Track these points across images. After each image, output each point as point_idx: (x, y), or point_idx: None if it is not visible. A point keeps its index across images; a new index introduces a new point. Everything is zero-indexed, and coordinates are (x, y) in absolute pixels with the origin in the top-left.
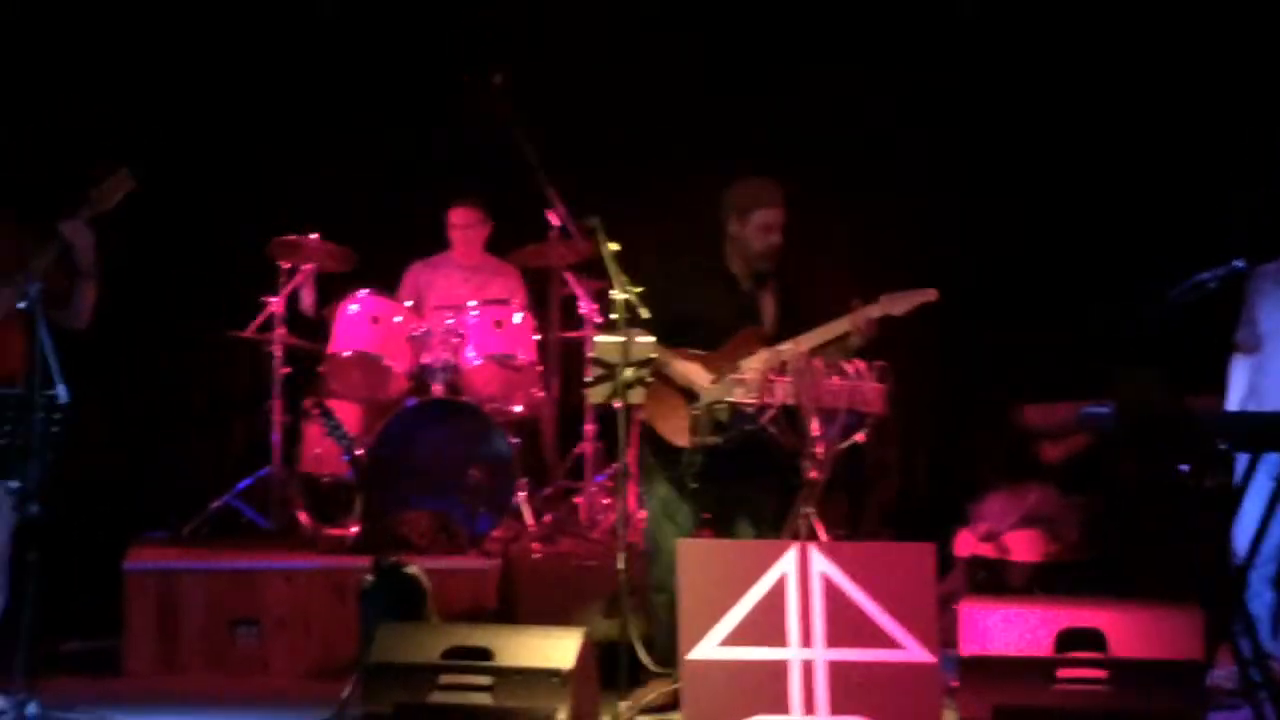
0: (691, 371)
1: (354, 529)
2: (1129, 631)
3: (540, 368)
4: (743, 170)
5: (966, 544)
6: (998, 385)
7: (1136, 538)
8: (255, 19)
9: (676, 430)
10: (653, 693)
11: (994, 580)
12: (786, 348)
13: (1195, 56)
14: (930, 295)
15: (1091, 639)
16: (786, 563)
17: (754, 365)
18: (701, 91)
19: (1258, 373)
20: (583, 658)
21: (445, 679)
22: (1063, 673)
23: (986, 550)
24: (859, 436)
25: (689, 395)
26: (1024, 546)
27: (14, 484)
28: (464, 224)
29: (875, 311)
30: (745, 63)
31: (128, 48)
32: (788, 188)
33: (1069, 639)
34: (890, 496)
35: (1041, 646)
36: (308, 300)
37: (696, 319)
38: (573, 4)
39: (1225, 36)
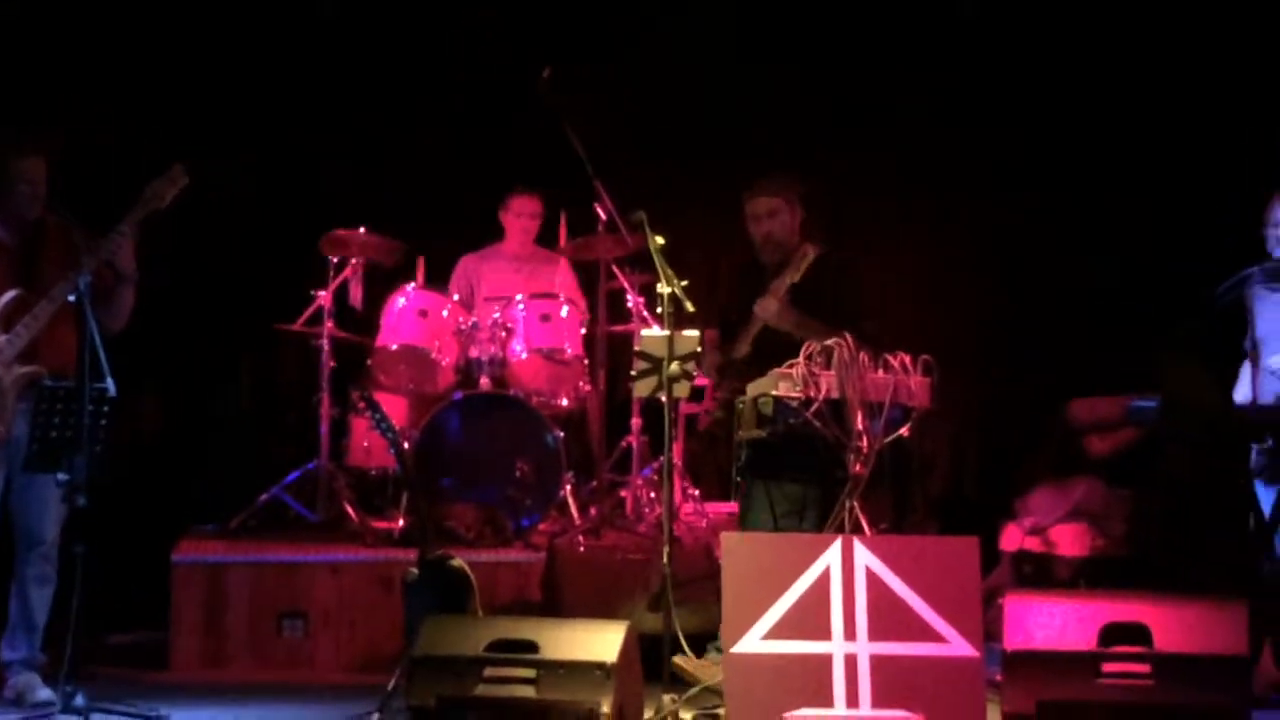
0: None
1: (400, 522)
2: (1174, 626)
3: (587, 361)
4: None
5: (1012, 538)
6: (1045, 379)
7: (1183, 532)
8: (302, 17)
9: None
10: (695, 688)
11: (1040, 574)
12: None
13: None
14: (808, 254)
15: (1137, 633)
16: (831, 556)
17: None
18: (744, 90)
19: (1256, 376)
20: (627, 651)
21: (489, 672)
22: (1107, 667)
23: (1032, 544)
24: (904, 430)
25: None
26: (1070, 541)
27: (63, 476)
28: (525, 212)
29: (769, 298)
30: (780, 60)
31: (183, 47)
32: (827, 185)
33: (1114, 633)
34: (936, 490)
35: (1086, 641)
36: (356, 294)
37: (733, 308)
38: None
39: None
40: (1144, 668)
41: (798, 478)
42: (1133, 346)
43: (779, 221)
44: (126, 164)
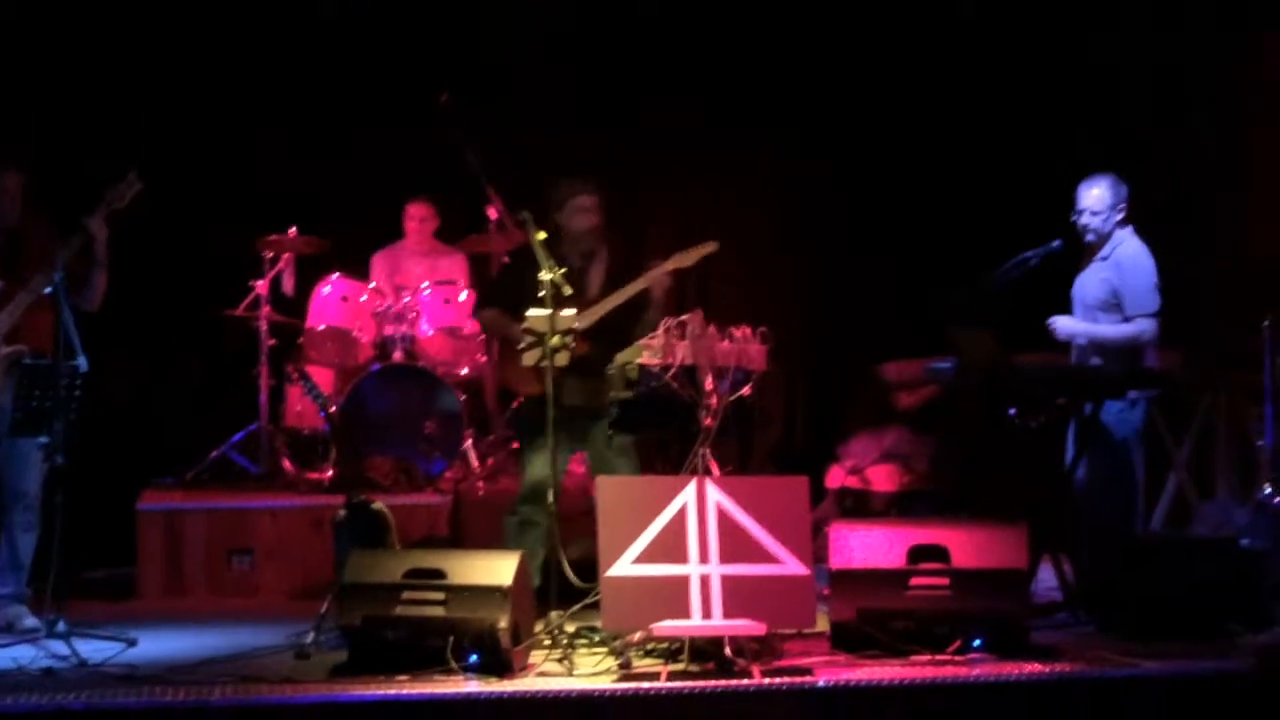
0: (513, 329)
1: (329, 473)
2: (967, 546)
3: (482, 337)
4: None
5: (835, 477)
6: (861, 346)
7: (973, 470)
8: (245, 42)
9: (522, 379)
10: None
11: (858, 506)
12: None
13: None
14: (710, 247)
15: (937, 553)
16: (687, 495)
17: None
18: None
19: None
20: (520, 576)
21: (406, 595)
22: (914, 581)
23: (852, 482)
24: (745, 390)
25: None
26: (883, 479)
27: (43, 440)
28: (419, 216)
29: (669, 265)
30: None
31: (138, 63)
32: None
33: (919, 553)
34: (772, 439)
35: (897, 560)
36: (288, 283)
37: (528, 292)
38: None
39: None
40: (944, 581)
41: (659, 430)
42: (932, 317)
43: (599, 216)
44: (89, 169)
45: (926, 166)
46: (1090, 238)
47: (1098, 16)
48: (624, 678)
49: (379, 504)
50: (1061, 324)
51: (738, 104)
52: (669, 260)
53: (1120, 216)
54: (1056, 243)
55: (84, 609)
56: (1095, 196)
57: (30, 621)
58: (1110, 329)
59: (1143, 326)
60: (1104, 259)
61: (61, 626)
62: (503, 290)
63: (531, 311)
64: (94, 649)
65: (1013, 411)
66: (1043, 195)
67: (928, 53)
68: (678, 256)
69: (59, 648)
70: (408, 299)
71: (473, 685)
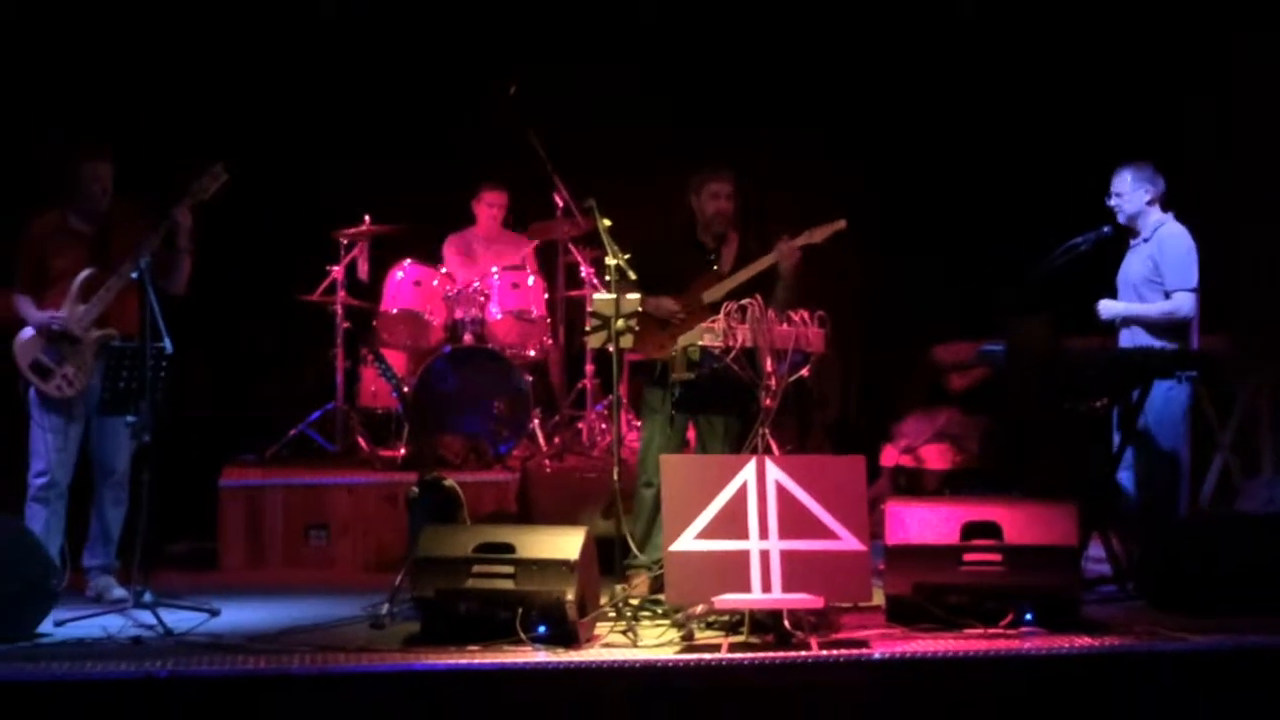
0: (663, 304)
1: (402, 451)
2: (1019, 523)
3: (549, 320)
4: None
5: (890, 456)
6: (916, 329)
7: (1025, 448)
8: (323, 34)
9: (656, 348)
10: (639, 578)
11: (912, 485)
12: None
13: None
14: (840, 225)
15: (990, 530)
16: (747, 473)
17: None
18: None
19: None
20: (586, 550)
21: (477, 569)
22: (968, 557)
23: (906, 461)
24: (804, 371)
25: (661, 324)
26: (936, 457)
27: (131, 419)
28: (492, 203)
29: (798, 242)
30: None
31: (222, 59)
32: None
33: (972, 530)
34: (830, 419)
35: (950, 536)
36: (362, 269)
37: (669, 272)
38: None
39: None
40: (996, 556)
41: (721, 410)
42: (983, 302)
43: (732, 203)
44: (177, 162)
45: (982, 150)
46: (1121, 219)
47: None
48: (686, 649)
49: (450, 481)
50: (1104, 305)
51: (787, 94)
52: (799, 237)
53: (1148, 199)
54: (1107, 228)
55: (168, 581)
56: (1121, 180)
57: (118, 592)
58: (1150, 306)
59: (1180, 301)
60: (1146, 240)
61: (148, 597)
62: (643, 271)
63: (597, 296)
64: (178, 619)
65: (1062, 398)
66: (1096, 177)
67: (984, 38)
68: (808, 233)
69: (146, 617)
70: (477, 283)
71: (541, 655)
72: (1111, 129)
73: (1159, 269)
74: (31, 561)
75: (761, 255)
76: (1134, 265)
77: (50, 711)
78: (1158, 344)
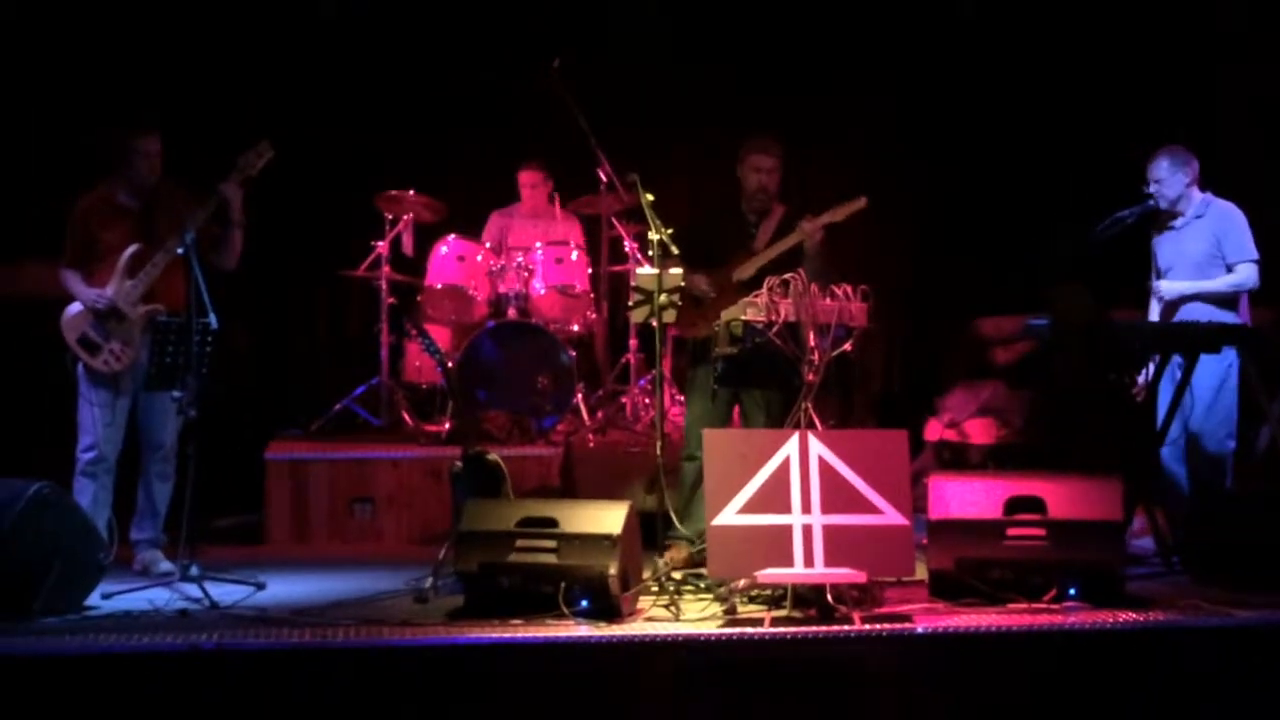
0: (696, 281)
1: (446, 425)
2: (1063, 498)
3: (593, 295)
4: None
5: (934, 430)
6: (959, 303)
7: (1069, 423)
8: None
9: (689, 324)
10: (680, 553)
11: (956, 459)
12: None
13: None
14: (861, 203)
15: (1034, 504)
16: (790, 447)
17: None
18: (716, 72)
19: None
20: (628, 525)
21: (520, 543)
22: (1011, 531)
23: (950, 435)
24: (847, 346)
25: (696, 301)
26: (980, 432)
27: (177, 394)
28: (530, 182)
29: (820, 221)
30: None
31: (270, 38)
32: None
33: (1015, 504)
34: (873, 393)
35: (994, 510)
36: (407, 244)
37: (710, 245)
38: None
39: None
40: (1040, 531)
41: (763, 385)
42: (1030, 275)
43: (776, 176)
44: (225, 138)
45: (1026, 123)
46: (1164, 204)
47: None
48: (729, 623)
49: (494, 455)
50: (1166, 286)
51: (829, 66)
52: (821, 216)
53: (1187, 181)
54: (1152, 201)
55: (215, 554)
56: (1159, 167)
57: (165, 565)
58: (1217, 281)
59: (1247, 273)
60: (1199, 217)
61: (195, 570)
62: (684, 246)
63: (640, 271)
64: (225, 592)
65: (1107, 368)
66: (1141, 151)
67: (1027, 17)
68: (829, 212)
69: (192, 590)
70: (521, 259)
71: (583, 629)
72: (1149, 104)
73: (1221, 244)
74: (79, 536)
75: (787, 234)
76: (1190, 243)
77: (98, 684)
78: (1220, 317)
